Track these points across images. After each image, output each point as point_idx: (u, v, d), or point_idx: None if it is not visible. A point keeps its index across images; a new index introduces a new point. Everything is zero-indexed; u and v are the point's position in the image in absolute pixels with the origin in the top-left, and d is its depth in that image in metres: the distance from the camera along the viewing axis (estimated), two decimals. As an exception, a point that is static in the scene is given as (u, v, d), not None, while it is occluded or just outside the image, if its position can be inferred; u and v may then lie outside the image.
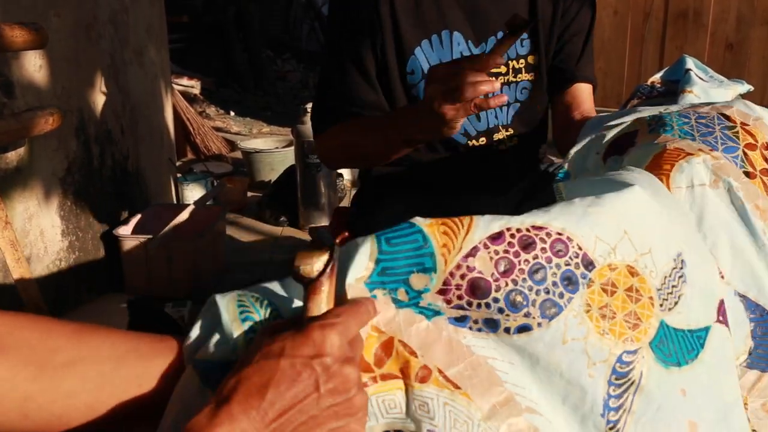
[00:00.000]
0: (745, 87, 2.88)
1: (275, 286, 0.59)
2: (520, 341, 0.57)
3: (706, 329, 0.64)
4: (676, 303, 0.63)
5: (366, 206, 1.33)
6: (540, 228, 0.59)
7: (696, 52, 3.52)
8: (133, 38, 2.48)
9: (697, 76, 2.77)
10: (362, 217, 1.34)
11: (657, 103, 2.70)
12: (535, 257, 0.59)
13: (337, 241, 0.53)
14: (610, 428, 0.56)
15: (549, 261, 0.59)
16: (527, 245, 0.59)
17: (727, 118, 0.82)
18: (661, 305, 0.62)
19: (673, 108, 0.87)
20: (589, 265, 0.59)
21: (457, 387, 0.55)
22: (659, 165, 0.75)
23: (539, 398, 0.57)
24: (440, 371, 0.55)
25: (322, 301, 0.52)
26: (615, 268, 0.60)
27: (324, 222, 2.87)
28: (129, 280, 2.21)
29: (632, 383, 0.59)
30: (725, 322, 0.66)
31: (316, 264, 0.52)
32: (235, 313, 0.55)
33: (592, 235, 0.60)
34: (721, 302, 0.67)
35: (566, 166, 0.94)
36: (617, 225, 0.62)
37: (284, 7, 7.00)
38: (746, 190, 0.73)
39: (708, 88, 2.66)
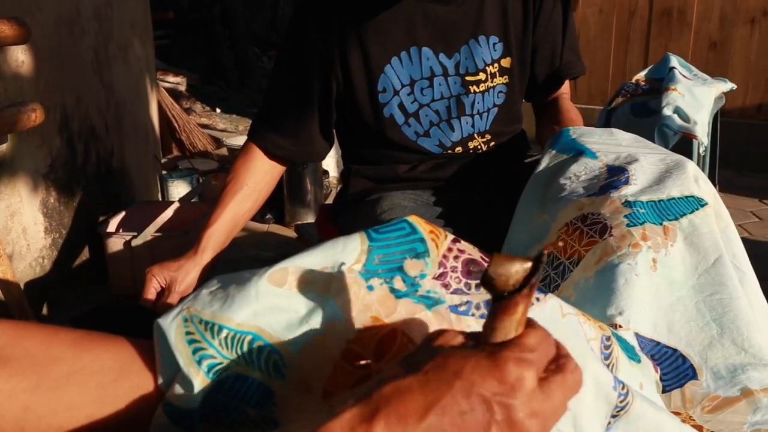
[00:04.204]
0: (728, 85, 2.89)
1: (217, 290, 0.54)
2: None
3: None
4: None
5: (349, 203, 1.33)
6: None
7: (680, 50, 3.55)
8: (118, 34, 2.46)
9: (681, 74, 2.79)
10: (344, 213, 1.34)
11: (640, 103, 2.70)
12: None
13: (545, 251, 0.44)
14: (621, 401, 0.56)
15: None
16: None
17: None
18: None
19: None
20: None
21: None
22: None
23: None
24: None
25: (513, 324, 0.43)
26: None
27: (310, 219, 2.86)
28: (113, 279, 2.19)
29: (613, 366, 0.61)
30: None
31: (514, 275, 0.43)
32: (188, 353, 0.51)
33: None
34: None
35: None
36: None
37: (270, 5, 6.97)
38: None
39: (692, 85, 2.68)
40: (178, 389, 0.52)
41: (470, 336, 0.46)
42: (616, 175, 0.89)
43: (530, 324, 0.45)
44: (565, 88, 1.36)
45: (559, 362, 0.44)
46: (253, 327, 0.53)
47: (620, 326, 0.73)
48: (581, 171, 0.93)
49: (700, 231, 0.81)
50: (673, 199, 0.85)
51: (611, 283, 0.76)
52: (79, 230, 2.21)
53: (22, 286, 1.66)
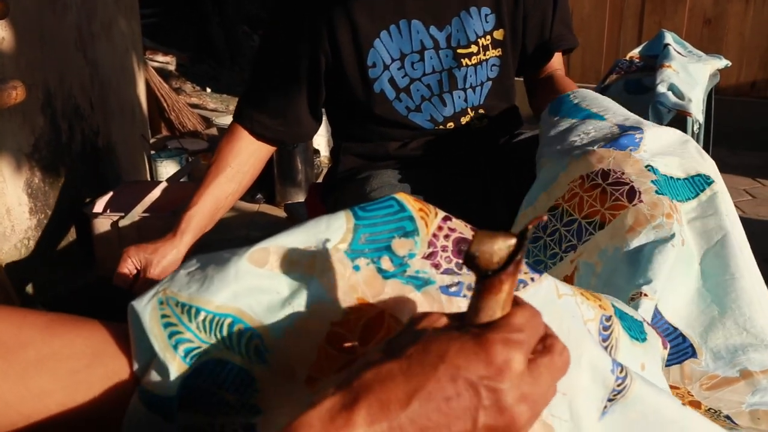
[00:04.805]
0: (723, 62, 2.86)
1: (195, 271, 0.52)
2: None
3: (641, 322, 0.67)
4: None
5: (338, 181, 1.31)
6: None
7: (674, 26, 3.51)
8: (102, 10, 2.40)
9: (675, 50, 2.75)
10: (334, 192, 1.32)
11: (634, 80, 2.68)
12: None
13: (529, 227, 0.42)
14: (618, 385, 0.54)
15: None
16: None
17: (553, 208, 0.85)
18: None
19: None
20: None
21: None
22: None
23: None
24: None
25: (498, 304, 0.41)
26: None
27: (301, 198, 2.83)
28: (100, 260, 2.16)
29: (613, 347, 0.59)
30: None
31: (498, 252, 0.41)
32: (164, 337, 0.49)
33: None
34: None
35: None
36: None
37: (260, -19, 6.87)
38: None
39: (686, 62, 2.65)
40: (154, 375, 0.49)
41: (455, 317, 0.43)
42: (630, 131, 0.85)
43: (517, 302, 0.43)
44: (558, 63, 1.33)
45: (546, 342, 0.42)
46: (232, 309, 0.50)
47: (646, 295, 0.71)
48: (590, 129, 0.89)
49: (705, 213, 0.80)
50: (680, 180, 0.83)
51: (645, 256, 0.73)
52: (64, 211, 2.18)
53: (5, 267, 1.63)
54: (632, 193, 0.77)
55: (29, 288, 2.00)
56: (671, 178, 0.82)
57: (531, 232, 0.42)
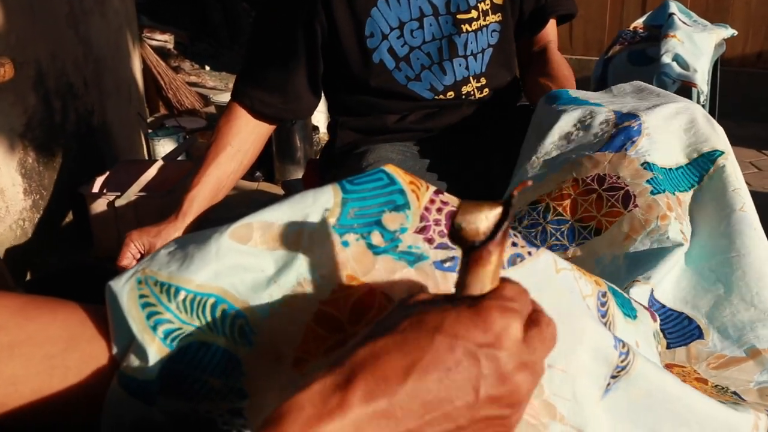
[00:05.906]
0: (729, 31, 2.80)
1: (176, 251, 0.49)
2: (516, 274, 0.51)
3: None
4: None
5: (336, 157, 1.28)
6: None
7: (679, -4, 3.45)
8: (94, -14, 2.36)
9: (680, 20, 2.69)
10: (332, 168, 1.29)
11: (638, 51, 2.62)
12: None
13: (514, 193, 0.41)
14: (622, 361, 0.52)
15: None
16: None
17: (535, 203, 0.84)
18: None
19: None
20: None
21: None
22: None
23: None
24: None
25: (488, 276, 0.40)
26: None
27: (300, 176, 2.81)
28: (98, 241, 2.14)
29: (611, 323, 0.57)
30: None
31: (483, 223, 0.39)
32: (142, 319, 0.46)
33: None
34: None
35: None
36: None
37: (258, -43, 6.77)
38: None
39: (692, 32, 2.59)
40: (133, 359, 0.47)
41: (444, 298, 0.41)
42: (627, 121, 0.84)
43: (504, 279, 0.42)
44: (553, 35, 1.30)
45: (532, 317, 0.40)
46: (215, 288, 0.48)
47: (638, 281, 0.70)
48: (587, 116, 0.87)
49: (709, 195, 0.79)
50: (681, 167, 0.82)
51: (642, 262, 0.73)
52: (60, 191, 2.15)
53: (1, 250, 1.61)
54: (627, 199, 0.78)
55: (25, 270, 1.98)
56: (670, 170, 0.82)
57: (516, 199, 0.41)
